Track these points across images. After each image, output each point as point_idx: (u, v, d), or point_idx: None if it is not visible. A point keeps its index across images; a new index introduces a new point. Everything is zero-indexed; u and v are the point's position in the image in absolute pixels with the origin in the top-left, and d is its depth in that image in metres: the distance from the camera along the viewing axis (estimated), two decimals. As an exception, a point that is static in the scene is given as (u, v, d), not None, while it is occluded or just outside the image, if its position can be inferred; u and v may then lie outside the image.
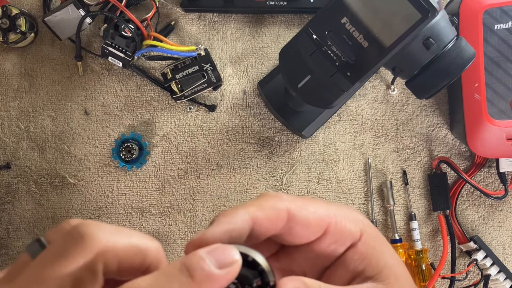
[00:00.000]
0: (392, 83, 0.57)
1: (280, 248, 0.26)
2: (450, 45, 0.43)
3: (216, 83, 0.59)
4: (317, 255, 0.25)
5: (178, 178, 0.61)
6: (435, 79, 0.44)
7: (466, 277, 0.61)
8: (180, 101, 0.60)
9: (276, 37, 0.62)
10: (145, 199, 0.61)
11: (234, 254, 0.21)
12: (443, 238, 0.59)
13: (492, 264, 0.59)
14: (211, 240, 0.21)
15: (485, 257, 0.59)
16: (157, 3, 0.58)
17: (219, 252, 0.20)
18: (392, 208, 0.61)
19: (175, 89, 0.59)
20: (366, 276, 0.23)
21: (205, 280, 0.20)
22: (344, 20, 0.42)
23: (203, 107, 0.61)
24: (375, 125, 0.62)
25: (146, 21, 0.58)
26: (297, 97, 0.46)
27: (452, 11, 0.56)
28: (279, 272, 0.26)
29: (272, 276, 0.21)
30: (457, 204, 0.61)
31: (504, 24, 0.54)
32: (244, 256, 0.21)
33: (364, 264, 0.24)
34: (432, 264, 0.59)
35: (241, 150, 0.61)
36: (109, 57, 0.57)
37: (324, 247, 0.24)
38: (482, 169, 0.62)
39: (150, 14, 0.58)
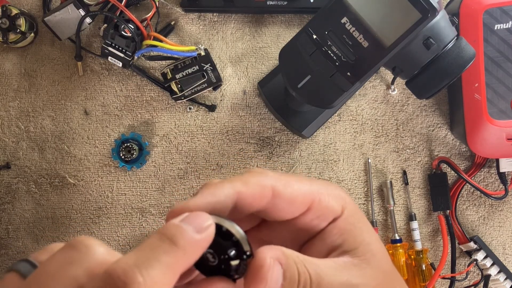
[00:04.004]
0: (392, 83, 0.57)
1: (262, 221, 0.27)
2: (450, 45, 0.43)
3: (216, 83, 0.59)
4: (300, 229, 0.25)
5: (178, 178, 0.61)
6: (435, 79, 0.44)
7: (466, 277, 0.61)
8: (180, 101, 0.60)
9: (276, 37, 0.62)
10: (145, 199, 0.61)
11: (207, 218, 0.21)
12: (443, 238, 0.59)
13: (492, 264, 0.59)
14: (193, 210, 0.22)
15: (485, 257, 0.59)
16: (157, 3, 0.58)
17: (192, 218, 0.21)
18: (392, 208, 0.61)
19: (175, 89, 0.59)
20: (343, 250, 0.24)
21: (188, 244, 0.20)
22: (344, 20, 0.42)
23: (203, 107, 0.61)
24: (375, 125, 0.62)
25: (146, 21, 0.58)
26: (297, 97, 0.46)
27: (452, 11, 0.56)
28: (259, 243, 0.27)
29: (246, 245, 0.21)
30: (457, 204, 0.61)
31: (504, 24, 0.54)
32: (219, 227, 0.21)
33: (342, 239, 0.24)
34: (432, 264, 0.59)
35: (241, 150, 0.61)
36: (109, 57, 0.57)
37: (307, 222, 0.25)
38: (482, 169, 0.62)
39: (150, 14, 0.58)
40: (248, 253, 0.21)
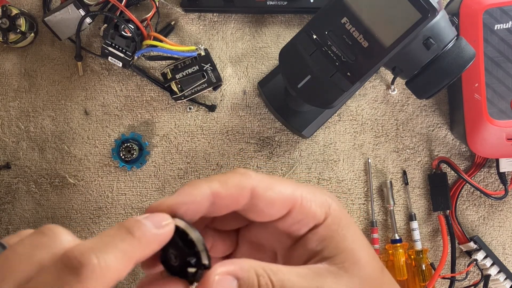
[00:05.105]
0: (392, 83, 0.57)
1: (252, 222, 0.27)
2: (450, 45, 0.43)
3: (216, 83, 0.59)
4: (281, 233, 0.26)
5: (178, 178, 0.61)
6: (435, 79, 0.44)
7: (466, 277, 0.61)
8: (180, 101, 0.60)
9: (276, 37, 0.62)
10: (145, 199, 0.61)
11: (167, 218, 0.22)
12: (443, 238, 0.59)
13: (492, 264, 0.59)
14: (168, 208, 0.23)
15: (485, 257, 0.59)
16: (157, 3, 0.58)
17: (153, 217, 0.22)
18: (392, 208, 0.61)
19: (175, 89, 0.59)
20: (322, 257, 0.24)
21: (144, 236, 0.21)
22: (344, 20, 0.42)
23: (203, 107, 0.61)
24: (375, 125, 0.62)
25: (146, 21, 0.58)
26: (297, 97, 0.46)
27: (452, 11, 0.56)
28: (247, 243, 0.28)
29: (205, 258, 0.22)
30: (457, 204, 0.61)
31: (504, 24, 0.54)
32: (185, 234, 0.23)
33: (322, 246, 0.24)
34: (432, 264, 0.59)
35: (241, 150, 0.61)
36: (109, 57, 0.57)
37: (287, 226, 0.25)
38: (482, 169, 0.62)
39: (150, 14, 0.58)
40: (206, 265, 0.23)
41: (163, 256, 0.23)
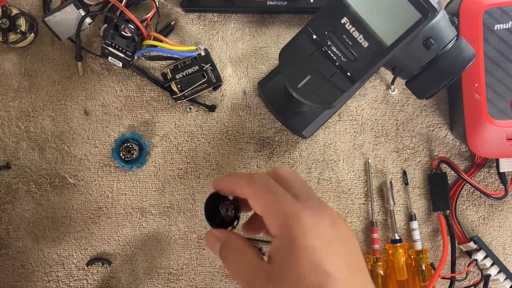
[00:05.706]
0: (392, 83, 0.57)
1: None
2: (450, 45, 0.43)
3: (216, 83, 0.59)
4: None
5: (178, 178, 0.61)
6: (435, 79, 0.44)
7: (466, 277, 0.61)
8: (180, 101, 0.60)
9: (276, 37, 0.62)
10: (145, 199, 0.61)
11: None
12: (443, 238, 0.59)
13: (492, 264, 0.59)
14: (223, 183, 0.37)
15: (485, 257, 0.59)
16: (157, 3, 0.58)
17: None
18: (392, 208, 0.61)
19: (175, 89, 0.59)
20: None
21: None
22: (344, 20, 0.42)
23: (203, 107, 0.61)
24: (375, 125, 0.62)
25: (146, 21, 0.58)
26: (297, 97, 0.46)
27: (452, 11, 0.56)
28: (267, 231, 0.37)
29: (235, 222, 0.37)
30: (457, 204, 0.61)
31: (504, 24, 0.54)
32: (228, 203, 0.37)
33: (273, 251, 0.33)
34: (432, 264, 0.59)
35: (241, 150, 0.61)
36: (109, 57, 0.57)
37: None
38: (482, 169, 0.62)
39: (150, 14, 0.58)
40: (235, 226, 0.37)
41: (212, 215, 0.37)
